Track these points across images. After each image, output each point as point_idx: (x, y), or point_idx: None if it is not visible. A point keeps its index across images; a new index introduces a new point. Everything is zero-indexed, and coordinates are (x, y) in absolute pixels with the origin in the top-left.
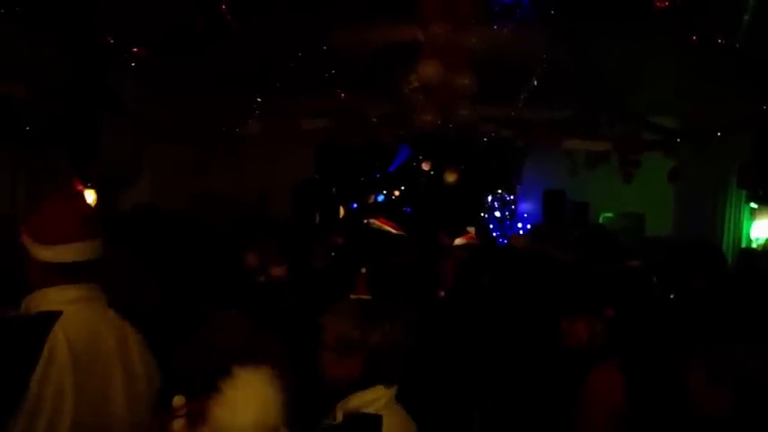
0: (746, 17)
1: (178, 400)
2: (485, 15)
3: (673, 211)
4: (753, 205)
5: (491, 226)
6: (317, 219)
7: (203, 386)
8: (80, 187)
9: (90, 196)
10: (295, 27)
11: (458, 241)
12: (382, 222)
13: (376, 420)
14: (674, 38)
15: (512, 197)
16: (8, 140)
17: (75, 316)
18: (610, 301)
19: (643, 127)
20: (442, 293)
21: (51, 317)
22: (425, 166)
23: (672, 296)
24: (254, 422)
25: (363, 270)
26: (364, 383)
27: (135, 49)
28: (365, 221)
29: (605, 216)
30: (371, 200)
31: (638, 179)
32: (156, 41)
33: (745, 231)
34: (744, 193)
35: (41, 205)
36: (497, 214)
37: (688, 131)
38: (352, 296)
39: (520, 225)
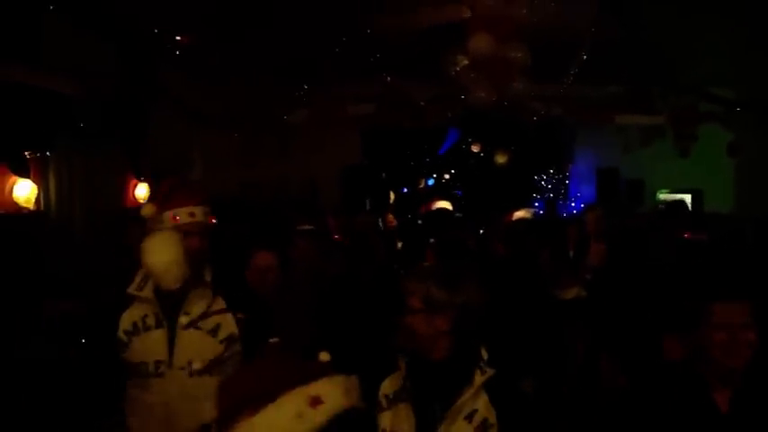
0: None
1: None
2: None
3: (734, 187)
4: None
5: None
6: (368, 204)
7: None
8: (134, 181)
9: (143, 189)
10: (339, 12)
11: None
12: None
13: None
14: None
15: (564, 177)
16: (62, 138)
17: None
18: None
19: (699, 98)
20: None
21: None
22: (475, 149)
23: None
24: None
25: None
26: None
27: (178, 38)
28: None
29: (661, 193)
30: (422, 184)
31: (695, 154)
32: (200, 29)
33: None
34: None
35: None
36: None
37: (748, 101)
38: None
39: (573, 204)
